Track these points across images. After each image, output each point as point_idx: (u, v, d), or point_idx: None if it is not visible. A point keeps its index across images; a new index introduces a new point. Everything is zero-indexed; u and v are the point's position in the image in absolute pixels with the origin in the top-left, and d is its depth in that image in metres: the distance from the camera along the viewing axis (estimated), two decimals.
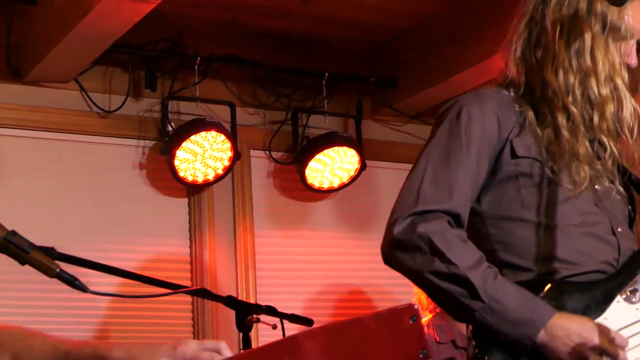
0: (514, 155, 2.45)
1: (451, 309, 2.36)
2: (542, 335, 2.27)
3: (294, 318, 3.33)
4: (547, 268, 2.39)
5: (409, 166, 5.40)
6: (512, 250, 2.41)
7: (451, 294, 2.31)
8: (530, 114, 2.47)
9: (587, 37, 2.43)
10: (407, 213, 2.37)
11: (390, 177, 5.44)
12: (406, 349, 1.52)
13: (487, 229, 2.45)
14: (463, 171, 2.41)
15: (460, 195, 2.40)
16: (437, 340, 3.98)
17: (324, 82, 5.14)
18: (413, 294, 4.18)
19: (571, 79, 2.43)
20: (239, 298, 4.12)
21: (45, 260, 2.17)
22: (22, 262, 2.18)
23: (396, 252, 2.37)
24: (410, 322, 1.53)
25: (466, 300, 2.29)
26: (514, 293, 2.31)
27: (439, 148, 2.47)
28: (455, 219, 2.38)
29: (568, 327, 2.26)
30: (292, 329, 3.05)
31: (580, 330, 2.25)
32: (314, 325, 2.96)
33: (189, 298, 4.86)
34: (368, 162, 5.12)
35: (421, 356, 1.52)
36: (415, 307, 1.53)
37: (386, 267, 5.28)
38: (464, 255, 2.33)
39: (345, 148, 5.05)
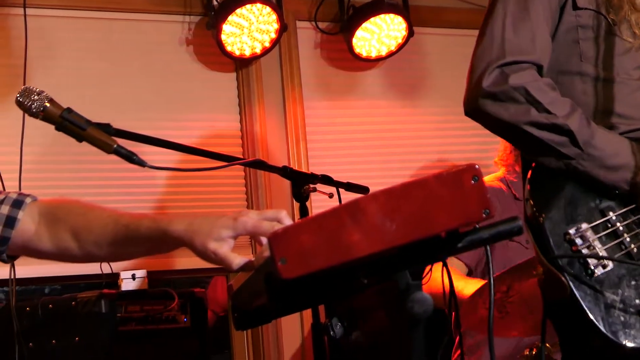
0: (575, 6, 2.40)
1: (546, 158, 2.34)
2: (638, 178, 2.27)
3: (349, 186, 3.33)
4: (606, 123, 2.37)
5: (457, 31, 5.40)
6: None
7: (548, 143, 2.30)
8: None
9: None
10: (496, 64, 2.33)
11: (439, 43, 5.38)
12: (469, 209, 1.51)
13: None
14: (541, 20, 2.37)
15: (542, 46, 2.37)
16: (517, 196, 3.97)
17: None
18: (499, 150, 4.14)
19: None
20: None
21: (103, 136, 2.19)
22: (80, 139, 2.20)
23: (487, 103, 2.34)
24: (472, 182, 1.52)
25: (564, 149, 2.29)
26: (608, 138, 2.30)
27: None
28: (539, 70, 2.35)
29: None
30: (347, 198, 3.05)
31: None
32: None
33: (241, 172, 4.89)
34: (415, 29, 5.04)
35: (484, 215, 1.52)
36: (477, 167, 1.52)
37: (438, 133, 5.26)
38: (559, 103, 2.31)
39: (392, 15, 4.97)
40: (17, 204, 2.23)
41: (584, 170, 2.29)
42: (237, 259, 1.88)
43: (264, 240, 1.89)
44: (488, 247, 1.75)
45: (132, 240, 2.10)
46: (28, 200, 2.25)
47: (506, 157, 4.11)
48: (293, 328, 4.71)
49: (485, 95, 2.34)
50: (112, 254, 2.18)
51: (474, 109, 2.38)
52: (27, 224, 2.22)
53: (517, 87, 2.31)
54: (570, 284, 2.21)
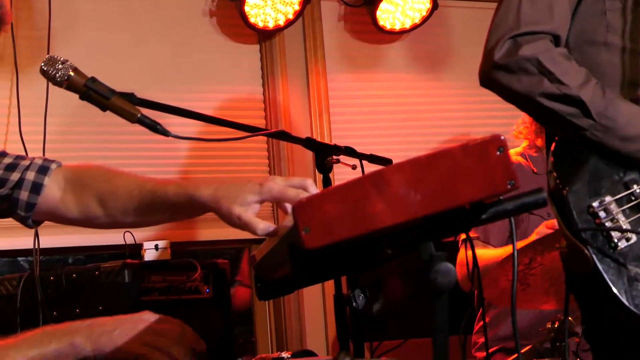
0: None
1: (560, 129, 2.33)
2: None
3: (373, 158, 3.32)
4: (632, 94, 2.35)
5: (482, 4, 5.36)
6: (597, 76, 2.35)
7: (561, 114, 2.28)
8: None
9: None
10: (509, 35, 2.32)
11: (463, 16, 5.34)
12: (494, 180, 1.50)
13: (571, 54, 2.39)
14: None
15: (560, 15, 2.35)
16: (535, 171, 3.95)
17: None
18: (518, 123, 4.13)
19: None
20: None
21: (127, 105, 2.18)
22: (104, 108, 2.20)
23: (499, 74, 2.33)
24: (498, 153, 1.51)
25: (577, 120, 2.27)
26: (624, 108, 2.28)
27: None
28: (556, 40, 2.33)
29: None
30: (370, 170, 3.04)
31: None
32: None
33: (264, 144, 4.90)
34: (440, 2, 5.01)
35: (509, 187, 1.51)
36: (502, 137, 1.51)
37: (462, 107, 5.24)
38: (573, 74, 2.29)
39: None
40: (43, 169, 2.24)
41: (598, 141, 2.28)
42: (262, 224, 1.88)
43: (288, 207, 1.89)
44: (512, 219, 1.74)
45: (159, 206, 2.10)
46: (53, 166, 2.26)
47: (527, 131, 4.09)
48: (315, 299, 4.73)
49: (498, 67, 2.33)
50: (138, 219, 2.19)
51: (488, 80, 2.37)
52: (53, 190, 2.23)
53: (529, 58, 2.30)
54: (594, 257, 2.21)
